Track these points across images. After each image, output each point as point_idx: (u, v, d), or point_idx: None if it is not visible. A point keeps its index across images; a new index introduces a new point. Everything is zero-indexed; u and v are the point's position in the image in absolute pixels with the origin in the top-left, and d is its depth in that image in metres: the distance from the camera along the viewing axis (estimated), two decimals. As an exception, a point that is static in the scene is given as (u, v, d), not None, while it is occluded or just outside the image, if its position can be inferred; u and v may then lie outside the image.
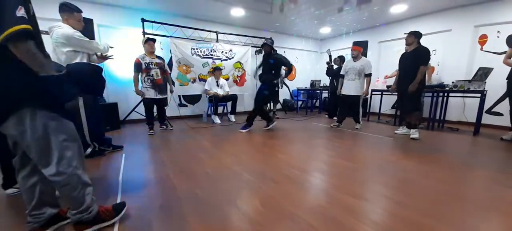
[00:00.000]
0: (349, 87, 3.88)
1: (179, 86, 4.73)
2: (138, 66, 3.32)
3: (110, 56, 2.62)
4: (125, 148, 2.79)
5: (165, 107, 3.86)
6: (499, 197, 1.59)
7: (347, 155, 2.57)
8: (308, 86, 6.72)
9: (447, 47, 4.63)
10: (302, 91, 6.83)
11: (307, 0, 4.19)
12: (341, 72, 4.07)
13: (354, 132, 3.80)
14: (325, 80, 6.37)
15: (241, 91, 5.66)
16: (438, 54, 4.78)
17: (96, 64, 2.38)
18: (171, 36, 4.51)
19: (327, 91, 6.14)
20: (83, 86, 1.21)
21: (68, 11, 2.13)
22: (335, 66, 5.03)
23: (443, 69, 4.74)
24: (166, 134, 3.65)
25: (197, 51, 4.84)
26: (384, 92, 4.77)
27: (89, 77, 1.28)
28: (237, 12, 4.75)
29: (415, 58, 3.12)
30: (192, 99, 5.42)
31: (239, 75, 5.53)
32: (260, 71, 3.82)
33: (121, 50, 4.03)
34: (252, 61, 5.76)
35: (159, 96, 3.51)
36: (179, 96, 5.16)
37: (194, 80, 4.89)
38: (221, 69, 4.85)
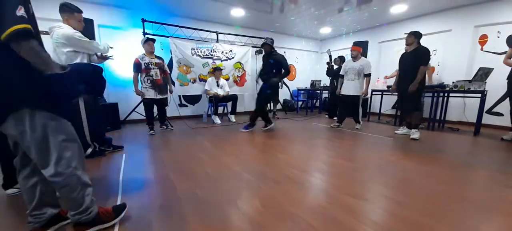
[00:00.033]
0: (349, 88, 3.89)
1: (180, 86, 4.73)
2: (137, 67, 3.32)
3: (110, 56, 2.62)
4: (125, 148, 2.79)
5: (166, 108, 3.86)
6: (500, 197, 1.58)
7: (347, 155, 2.57)
8: (308, 86, 6.73)
9: (447, 47, 4.63)
10: (302, 92, 6.83)
11: (307, 1, 4.20)
12: (341, 73, 4.08)
13: (354, 132, 3.80)
14: (325, 81, 6.37)
15: (241, 92, 5.66)
16: (438, 54, 4.78)
17: (97, 64, 2.38)
18: (171, 36, 4.51)
19: (327, 91, 6.14)
20: (84, 86, 1.21)
21: (68, 11, 2.13)
22: (335, 67, 5.03)
23: (443, 70, 4.73)
24: (166, 134, 3.65)
25: (197, 52, 4.84)
26: (384, 93, 4.77)
27: (89, 77, 1.28)
28: (237, 12, 4.76)
29: (415, 58, 3.12)
30: (193, 99, 5.42)
31: (239, 75, 5.53)
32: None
33: (121, 51, 4.03)
34: (252, 62, 5.76)
35: (159, 97, 3.51)
36: (179, 96, 5.16)
37: (194, 81, 4.90)
38: (221, 69, 4.85)
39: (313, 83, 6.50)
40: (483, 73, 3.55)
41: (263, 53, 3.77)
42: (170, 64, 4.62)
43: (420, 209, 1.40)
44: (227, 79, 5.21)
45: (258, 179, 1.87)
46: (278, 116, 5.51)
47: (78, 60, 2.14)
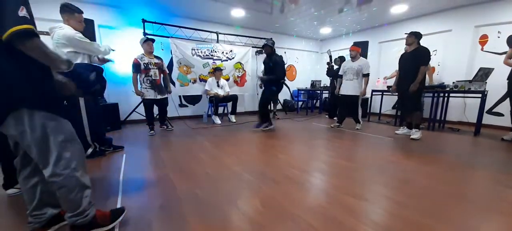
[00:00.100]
0: (348, 87, 3.89)
1: (180, 86, 4.74)
2: (136, 67, 3.31)
3: (110, 60, 2.61)
4: (125, 148, 2.79)
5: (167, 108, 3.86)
6: (500, 197, 1.58)
7: (347, 155, 2.57)
8: (308, 86, 6.73)
9: (448, 48, 4.63)
10: (302, 92, 6.83)
11: (307, 1, 4.20)
12: (340, 73, 4.09)
13: (354, 132, 3.80)
14: (326, 81, 6.37)
15: (241, 92, 5.67)
16: (439, 54, 4.78)
17: (97, 65, 2.39)
18: (171, 37, 4.52)
19: (327, 91, 6.14)
20: (84, 86, 1.22)
21: (69, 12, 2.14)
22: (335, 67, 5.03)
23: (443, 70, 4.73)
24: (167, 134, 3.65)
25: (198, 52, 4.85)
26: (384, 93, 4.77)
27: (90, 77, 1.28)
28: (238, 12, 4.76)
29: (415, 58, 3.12)
30: (193, 99, 5.43)
31: (239, 75, 5.54)
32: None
33: (121, 51, 4.04)
34: (252, 62, 5.77)
35: (159, 97, 3.51)
36: (179, 96, 5.17)
37: (195, 81, 4.90)
38: (221, 69, 4.85)
39: (313, 84, 6.50)
40: (484, 74, 3.55)
41: (265, 56, 3.79)
42: (171, 65, 4.62)
43: (420, 209, 1.40)
44: (228, 80, 5.21)
45: (258, 179, 1.87)
46: (278, 116, 5.51)
47: (78, 61, 2.15)
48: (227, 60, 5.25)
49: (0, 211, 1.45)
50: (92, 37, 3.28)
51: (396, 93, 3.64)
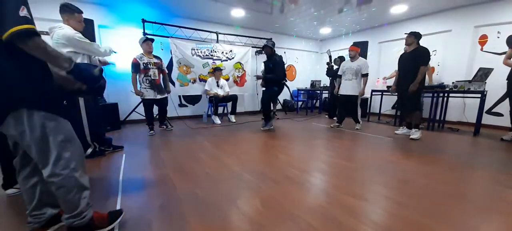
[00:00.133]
0: (347, 87, 3.90)
1: (180, 86, 4.74)
2: (136, 67, 3.30)
3: (111, 63, 2.60)
4: (125, 148, 2.79)
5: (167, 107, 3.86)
6: (500, 197, 1.58)
7: (347, 155, 2.57)
8: (308, 86, 6.73)
9: (447, 48, 4.63)
10: (302, 92, 6.84)
11: (307, 1, 4.20)
12: (339, 73, 4.10)
13: (354, 132, 3.80)
14: (325, 81, 6.38)
15: (241, 92, 5.67)
16: (438, 54, 4.78)
17: (96, 65, 2.39)
18: (171, 37, 4.52)
19: (327, 91, 6.14)
20: (89, 82, 1.22)
21: (68, 12, 2.13)
22: (335, 67, 5.03)
23: (443, 70, 4.74)
24: (166, 134, 3.65)
25: (198, 52, 4.84)
26: (384, 93, 4.77)
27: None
28: (237, 12, 4.76)
29: (415, 58, 3.12)
30: (193, 99, 5.43)
31: (239, 75, 5.54)
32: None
33: (121, 51, 4.02)
34: (252, 62, 5.77)
35: (159, 97, 3.51)
36: (179, 96, 5.16)
37: (195, 81, 4.90)
38: (221, 69, 4.86)
39: (313, 84, 6.50)
40: (483, 74, 3.55)
41: (266, 57, 3.79)
42: (170, 65, 4.62)
43: (420, 209, 1.40)
44: (227, 80, 5.21)
45: (258, 179, 1.87)
46: (278, 116, 5.51)
47: (78, 61, 2.14)
48: (227, 60, 5.25)
49: (0, 211, 1.45)
50: (91, 37, 3.28)
51: (396, 93, 3.65)
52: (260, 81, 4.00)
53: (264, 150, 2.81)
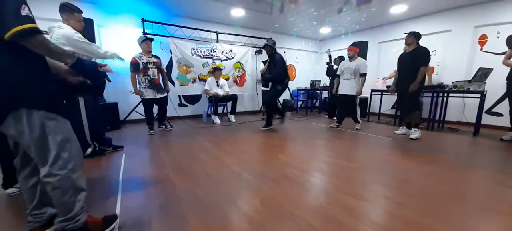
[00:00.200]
0: (345, 87, 3.91)
1: (179, 86, 4.73)
2: (135, 66, 3.29)
3: (115, 73, 2.52)
4: (125, 148, 2.79)
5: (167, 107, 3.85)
6: (499, 197, 1.59)
7: (347, 155, 2.57)
8: (308, 86, 6.73)
9: (447, 48, 4.63)
10: (302, 92, 6.84)
11: (307, 1, 4.20)
12: (337, 72, 4.11)
13: (354, 132, 3.80)
14: (325, 81, 6.37)
15: (241, 92, 5.66)
16: (438, 54, 4.78)
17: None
18: (171, 36, 4.51)
19: (327, 91, 6.14)
20: (92, 78, 1.22)
21: (68, 11, 2.13)
22: (335, 67, 5.03)
23: (443, 70, 4.74)
24: (166, 134, 3.65)
25: (197, 52, 4.84)
26: (384, 93, 4.77)
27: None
28: (237, 12, 4.76)
29: (414, 58, 3.13)
30: (192, 99, 5.42)
31: (239, 75, 5.53)
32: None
33: (121, 51, 4.02)
34: (252, 62, 5.77)
35: (158, 96, 3.50)
36: (179, 96, 5.16)
37: (194, 81, 4.90)
38: (221, 69, 4.85)
39: (313, 84, 6.50)
40: (483, 74, 3.56)
41: (267, 57, 3.80)
42: (170, 64, 4.62)
43: (420, 209, 1.41)
44: (227, 79, 5.21)
45: (258, 179, 1.87)
46: (278, 116, 5.50)
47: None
48: (226, 60, 5.25)
49: (0, 210, 1.45)
50: (91, 37, 3.27)
51: (395, 93, 3.65)
52: (260, 80, 3.99)
53: (264, 149, 2.81)
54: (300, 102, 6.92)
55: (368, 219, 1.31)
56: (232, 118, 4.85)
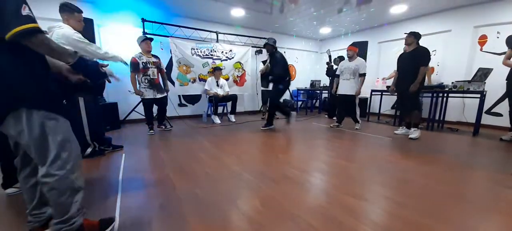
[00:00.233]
0: (345, 87, 3.91)
1: (179, 86, 4.73)
2: (135, 66, 3.29)
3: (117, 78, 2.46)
4: (125, 148, 2.79)
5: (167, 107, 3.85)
6: (499, 198, 1.59)
7: (347, 155, 2.57)
8: (308, 86, 6.73)
9: (447, 48, 4.64)
10: (302, 92, 6.84)
11: (307, 1, 4.20)
12: (337, 72, 4.11)
13: (354, 132, 3.80)
14: (325, 81, 6.37)
15: (241, 92, 5.66)
16: (438, 54, 4.79)
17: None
18: (171, 36, 4.51)
19: (327, 91, 6.14)
20: (92, 77, 1.23)
21: (68, 11, 2.13)
22: (335, 67, 5.04)
23: (443, 70, 4.74)
24: (166, 134, 3.65)
25: (197, 51, 4.84)
26: (383, 93, 4.77)
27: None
28: (237, 12, 4.76)
29: (414, 58, 3.13)
30: (192, 99, 5.42)
31: (239, 75, 5.53)
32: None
33: (121, 51, 4.02)
34: (252, 61, 5.76)
35: (158, 96, 3.50)
36: (179, 96, 5.16)
37: (194, 80, 4.90)
38: (221, 69, 4.85)
39: (312, 83, 6.50)
40: (483, 74, 3.56)
41: (267, 56, 3.80)
42: (170, 64, 4.62)
43: (420, 209, 1.41)
44: (227, 79, 5.21)
45: (258, 179, 1.87)
46: (278, 116, 5.50)
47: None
48: (226, 60, 5.25)
49: (0, 210, 1.45)
50: (91, 37, 3.27)
51: (395, 94, 3.65)
52: (260, 80, 4.00)
53: (264, 149, 2.81)
54: (300, 102, 6.92)
55: (368, 219, 1.31)
56: (232, 117, 4.85)
